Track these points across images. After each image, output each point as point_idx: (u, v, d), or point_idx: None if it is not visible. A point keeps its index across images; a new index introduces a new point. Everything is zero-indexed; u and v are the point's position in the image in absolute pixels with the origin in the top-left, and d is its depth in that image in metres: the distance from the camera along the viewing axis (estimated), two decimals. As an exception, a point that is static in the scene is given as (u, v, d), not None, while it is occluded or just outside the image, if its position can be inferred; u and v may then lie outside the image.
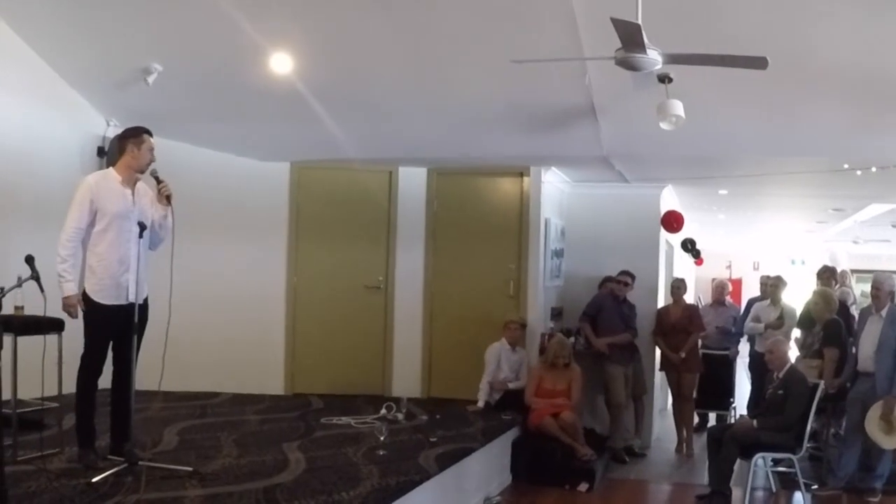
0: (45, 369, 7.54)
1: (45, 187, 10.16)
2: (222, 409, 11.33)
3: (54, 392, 7.94)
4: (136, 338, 7.38)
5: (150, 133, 7.74)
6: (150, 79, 9.73)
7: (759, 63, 6.37)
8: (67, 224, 7.35)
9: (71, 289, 7.30)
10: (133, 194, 7.59)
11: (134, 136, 7.69)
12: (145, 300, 7.70)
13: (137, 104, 10.43)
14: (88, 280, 7.43)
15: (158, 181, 7.65)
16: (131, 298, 7.43)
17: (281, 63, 9.24)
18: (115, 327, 7.47)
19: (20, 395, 7.71)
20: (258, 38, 8.70)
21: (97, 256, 7.43)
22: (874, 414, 10.17)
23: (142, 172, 7.71)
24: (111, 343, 7.59)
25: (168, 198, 7.59)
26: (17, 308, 7.87)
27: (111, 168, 7.79)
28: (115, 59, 9.91)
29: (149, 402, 10.25)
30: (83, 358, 7.47)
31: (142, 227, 7.44)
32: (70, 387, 7.63)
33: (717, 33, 7.58)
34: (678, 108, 8.16)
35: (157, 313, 7.76)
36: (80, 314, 7.40)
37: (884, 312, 10.57)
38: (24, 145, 10.32)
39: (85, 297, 7.41)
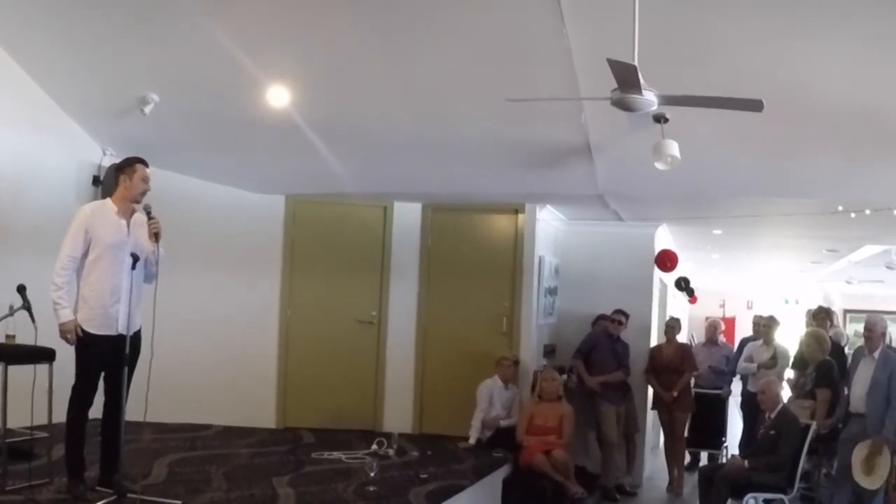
0: (34, 398, 7.53)
1: (40, 216, 10.14)
2: (213, 441, 11.28)
3: (44, 421, 7.91)
4: (126, 369, 7.37)
5: (144, 163, 7.78)
6: (147, 109, 9.72)
7: (754, 105, 6.37)
8: (62, 252, 7.38)
9: (67, 315, 7.32)
10: (128, 225, 7.60)
11: (127, 166, 7.76)
12: (137, 332, 7.66)
13: (134, 134, 10.43)
14: (81, 310, 7.42)
15: (150, 217, 7.64)
16: (121, 330, 7.45)
17: (278, 96, 9.24)
18: (106, 358, 7.47)
19: (10, 425, 7.69)
20: (255, 71, 8.71)
21: (89, 286, 7.44)
22: (858, 455, 10.16)
23: (136, 202, 7.73)
24: (102, 374, 7.59)
25: (156, 235, 7.59)
26: (8, 337, 7.89)
27: (108, 199, 7.82)
28: (112, 88, 9.91)
29: (139, 434, 10.22)
30: (74, 388, 7.46)
31: (135, 258, 7.47)
32: (60, 416, 7.61)
33: (712, 74, 7.60)
34: (674, 148, 8.18)
35: (146, 344, 7.73)
36: (75, 341, 7.39)
37: (876, 354, 10.59)
38: (20, 173, 10.31)
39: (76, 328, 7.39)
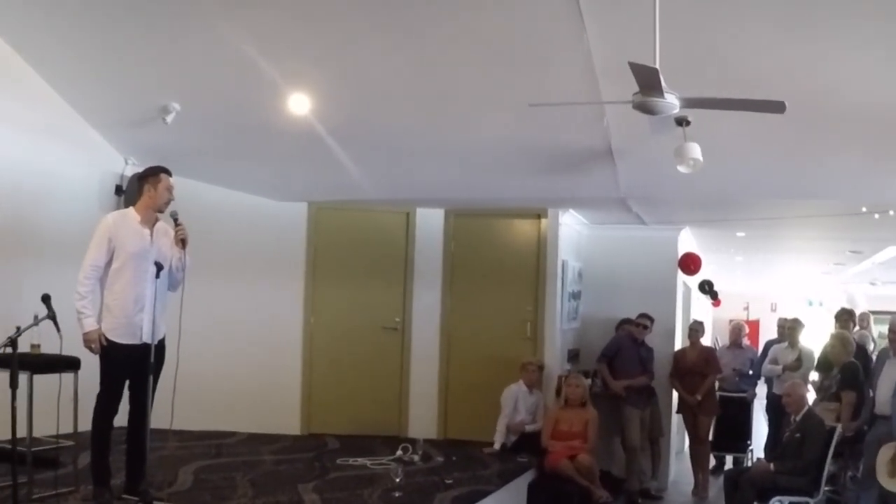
0: (60, 407, 7.54)
1: (63, 226, 10.18)
2: (238, 448, 11.30)
3: (70, 430, 7.92)
4: (150, 378, 7.37)
5: (168, 172, 7.81)
6: (169, 118, 9.73)
7: (776, 107, 6.34)
8: (86, 262, 7.41)
9: (91, 324, 7.34)
10: (151, 234, 7.62)
11: (151, 175, 7.79)
12: (161, 340, 7.67)
13: (155, 143, 10.45)
14: (105, 319, 7.44)
15: (177, 223, 7.67)
16: (146, 339, 7.46)
17: (299, 104, 9.24)
18: (130, 367, 7.48)
19: (35, 433, 7.70)
20: (277, 79, 8.71)
21: (113, 295, 7.46)
22: (884, 457, 10.10)
23: (160, 212, 7.75)
24: (127, 382, 7.60)
25: (183, 241, 7.60)
26: (33, 346, 7.88)
27: (131, 208, 7.84)
28: (133, 98, 9.93)
29: (164, 441, 10.24)
30: (98, 397, 7.48)
31: (158, 266, 7.47)
32: (85, 425, 7.63)
33: (734, 76, 7.56)
34: (696, 151, 8.14)
35: (172, 352, 7.73)
36: (99, 350, 7.40)
37: (901, 355, 10.54)
38: (43, 183, 10.37)
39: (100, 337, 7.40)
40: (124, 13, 8.10)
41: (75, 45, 9.01)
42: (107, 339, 7.39)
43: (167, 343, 7.81)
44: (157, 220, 7.75)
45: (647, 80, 6.08)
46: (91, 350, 7.40)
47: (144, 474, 7.78)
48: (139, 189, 7.84)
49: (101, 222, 7.62)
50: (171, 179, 7.82)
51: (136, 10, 8.06)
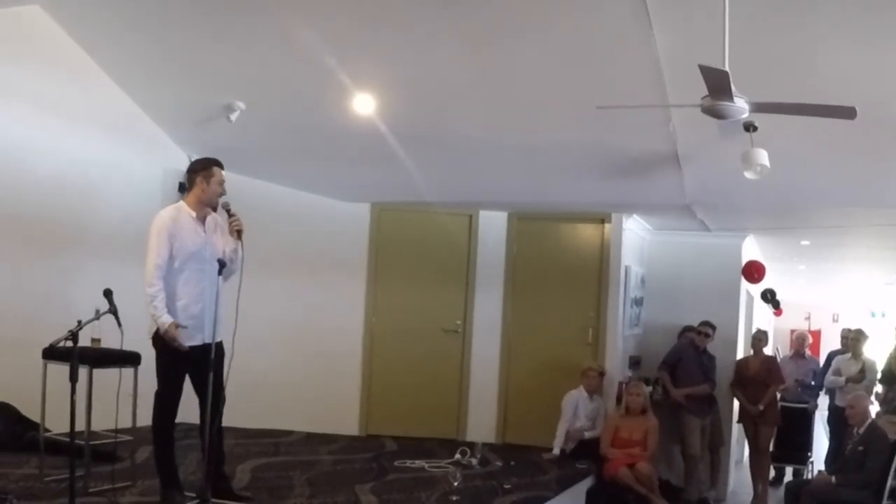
0: (119, 402, 7.54)
1: (125, 222, 10.22)
2: (296, 447, 11.32)
3: (128, 424, 7.93)
4: (213, 377, 7.28)
5: (220, 165, 7.65)
6: (233, 116, 9.75)
7: (847, 113, 6.25)
8: (149, 262, 7.24)
9: (166, 321, 7.18)
10: (204, 230, 7.55)
11: (203, 168, 7.61)
12: (220, 342, 7.51)
13: (219, 141, 10.46)
14: None
15: (230, 214, 7.55)
16: (207, 339, 7.36)
17: (363, 104, 9.23)
18: (189, 368, 7.43)
19: (94, 427, 7.72)
20: (342, 78, 8.69)
21: (172, 296, 7.36)
22: None
23: (212, 206, 7.65)
24: (193, 384, 7.54)
25: (239, 232, 7.49)
26: (94, 340, 7.88)
27: (182, 202, 7.67)
28: (197, 96, 9.97)
29: (224, 438, 10.26)
30: (157, 396, 7.41)
31: (221, 263, 7.36)
32: (144, 420, 7.62)
33: (802, 81, 7.47)
34: (763, 157, 8.04)
35: (230, 350, 7.69)
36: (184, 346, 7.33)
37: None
38: (107, 179, 10.47)
39: (158, 337, 7.32)
40: (190, 11, 8.13)
41: (140, 43, 9.06)
42: (165, 341, 7.30)
43: (227, 342, 7.67)
44: (207, 214, 7.62)
45: (717, 84, 6.00)
46: (174, 344, 7.24)
47: (224, 474, 7.88)
48: (189, 182, 7.69)
49: (157, 219, 7.43)
50: (223, 172, 7.65)
51: (203, 10, 8.09)
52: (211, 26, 8.37)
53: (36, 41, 8.99)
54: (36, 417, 8.02)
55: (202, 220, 7.56)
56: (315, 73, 8.64)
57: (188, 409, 7.65)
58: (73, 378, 6.52)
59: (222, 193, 7.62)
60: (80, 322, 6.75)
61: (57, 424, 7.61)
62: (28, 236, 9.64)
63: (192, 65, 9.29)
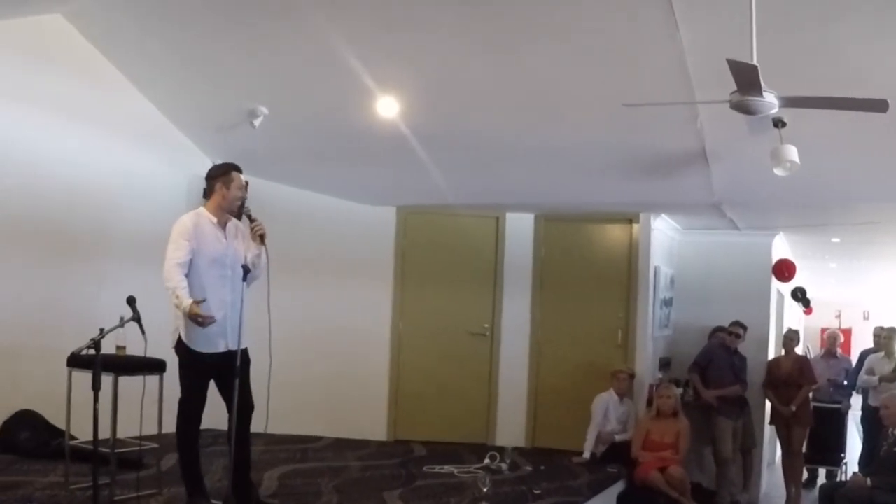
0: (144, 409, 7.48)
1: (151, 228, 10.12)
2: (324, 453, 11.25)
3: (154, 431, 7.86)
4: (238, 384, 7.20)
5: (239, 169, 7.53)
6: (256, 122, 9.73)
7: (879, 106, 6.14)
8: (169, 260, 7.11)
9: (187, 305, 6.91)
10: (225, 236, 7.45)
11: (222, 174, 7.47)
12: (245, 349, 7.39)
13: (243, 146, 10.45)
14: (184, 327, 7.25)
15: (252, 219, 7.44)
16: (231, 346, 7.26)
17: (387, 107, 9.19)
18: (212, 375, 7.34)
19: (119, 435, 7.66)
20: (366, 82, 8.65)
21: None
22: None
23: (232, 212, 7.53)
24: (220, 391, 7.46)
25: (262, 237, 7.38)
26: (118, 348, 7.82)
27: (203, 208, 7.53)
28: (221, 101, 9.96)
29: (251, 445, 10.21)
30: (180, 404, 7.28)
31: (245, 269, 7.29)
32: (169, 427, 7.55)
33: (832, 74, 7.37)
34: (793, 153, 7.95)
35: (258, 356, 7.62)
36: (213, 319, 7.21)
37: None
38: (131, 186, 10.46)
39: (180, 345, 7.23)
40: (212, 16, 8.11)
41: (163, 50, 9.09)
42: (187, 348, 7.19)
43: (263, 349, 7.59)
44: (227, 220, 7.50)
45: (746, 78, 5.90)
46: (200, 322, 6.97)
47: (250, 483, 7.78)
48: (209, 188, 7.55)
49: (177, 223, 7.30)
50: (243, 177, 7.54)
51: (224, 16, 8.07)
52: (232, 32, 8.36)
53: (57, 49, 9.05)
54: (62, 425, 7.97)
55: (223, 226, 7.42)
56: (338, 77, 8.60)
57: (217, 415, 7.59)
58: (96, 387, 6.46)
59: (243, 198, 7.52)
60: (102, 330, 6.70)
61: (83, 432, 7.54)
62: (52, 244, 9.64)
63: (214, 70, 9.29)
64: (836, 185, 10.68)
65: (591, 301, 13.02)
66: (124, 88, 9.78)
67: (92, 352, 6.57)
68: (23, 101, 9.01)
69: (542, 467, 11.19)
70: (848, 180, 10.46)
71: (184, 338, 7.20)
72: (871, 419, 13.01)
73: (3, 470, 8.24)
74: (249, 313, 7.44)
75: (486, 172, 11.18)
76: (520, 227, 13.21)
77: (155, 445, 7.97)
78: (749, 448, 13.59)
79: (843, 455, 14.65)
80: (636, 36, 7.44)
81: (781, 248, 15.68)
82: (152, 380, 7.80)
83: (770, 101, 6.24)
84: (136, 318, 7.02)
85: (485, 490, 9.03)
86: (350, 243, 12.86)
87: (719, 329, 13.53)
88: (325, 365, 12.61)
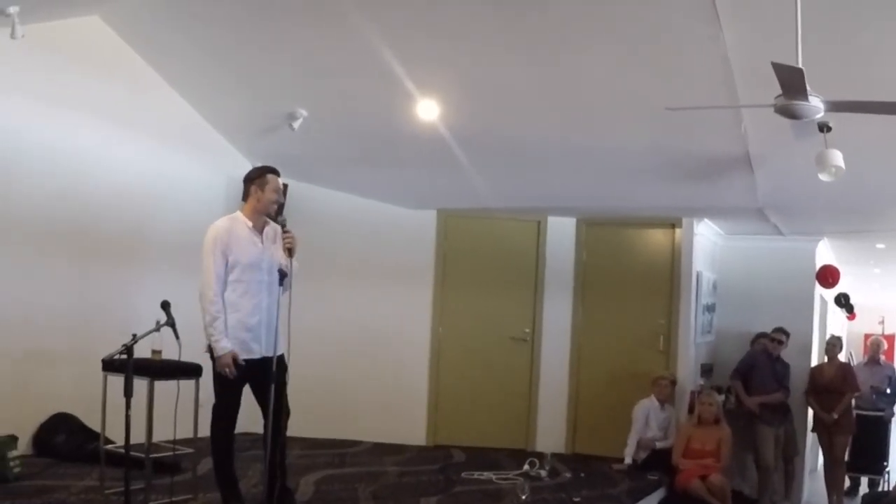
0: (178, 413, 7.45)
1: (189, 232, 10.10)
2: (362, 458, 11.19)
3: (189, 435, 7.84)
4: (274, 390, 7.13)
5: (276, 172, 7.51)
6: (296, 124, 9.73)
7: (927, 111, 6.05)
8: (206, 278, 7.13)
9: (224, 347, 7.05)
10: (262, 240, 7.40)
11: (258, 177, 7.46)
12: (281, 355, 7.36)
13: (282, 149, 10.45)
14: None
15: (285, 231, 7.40)
16: (266, 352, 7.22)
17: (428, 110, 9.15)
18: (247, 380, 7.28)
19: (156, 439, 7.63)
20: (406, 85, 8.62)
21: (228, 308, 7.21)
22: None
23: (268, 215, 7.50)
24: (255, 397, 7.41)
25: (290, 251, 7.33)
26: (154, 352, 7.80)
27: (238, 212, 7.51)
28: (260, 104, 9.98)
29: (289, 449, 10.14)
30: (215, 409, 7.27)
31: (282, 274, 7.26)
32: (205, 431, 7.51)
33: (878, 78, 7.26)
34: (838, 158, 7.84)
35: (296, 361, 7.56)
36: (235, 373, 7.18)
37: None
38: (171, 189, 10.53)
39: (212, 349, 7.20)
40: (253, 19, 8.10)
41: (203, 53, 9.10)
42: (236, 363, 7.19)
43: (303, 355, 7.56)
44: (265, 223, 7.48)
45: (792, 82, 5.79)
46: (226, 374, 7.11)
47: (289, 490, 7.75)
48: (245, 191, 7.52)
49: (210, 230, 7.31)
50: (279, 180, 7.51)
51: (263, 19, 8.07)
52: (271, 34, 8.37)
53: (96, 52, 9.09)
54: (98, 428, 7.96)
55: (259, 230, 7.39)
56: (378, 79, 8.59)
57: (255, 419, 7.55)
58: (128, 393, 6.45)
59: (279, 201, 7.49)
60: (134, 336, 6.67)
61: (119, 436, 7.50)
62: (90, 247, 9.67)
63: (253, 73, 9.29)
64: (882, 191, 10.57)
65: (633, 306, 12.94)
66: (162, 91, 9.82)
67: (125, 357, 6.55)
68: (63, 104, 9.06)
69: (582, 474, 11.09)
70: (894, 185, 10.34)
71: (217, 343, 7.18)
72: (915, 428, 12.92)
73: (39, 473, 8.28)
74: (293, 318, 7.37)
75: (527, 176, 11.14)
76: (561, 232, 13.13)
77: (190, 450, 7.96)
78: (791, 456, 13.48)
79: (885, 464, 14.53)
80: (679, 37, 7.38)
81: (825, 253, 15.56)
82: (186, 383, 7.78)
83: (816, 105, 6.13)
84: (171, 322, 6.99)
85: (524, 497, 9.00)
86: (390, 247, 12.82)
87: (762, 335, 13.40)
88: (365, 369, 12.58)
